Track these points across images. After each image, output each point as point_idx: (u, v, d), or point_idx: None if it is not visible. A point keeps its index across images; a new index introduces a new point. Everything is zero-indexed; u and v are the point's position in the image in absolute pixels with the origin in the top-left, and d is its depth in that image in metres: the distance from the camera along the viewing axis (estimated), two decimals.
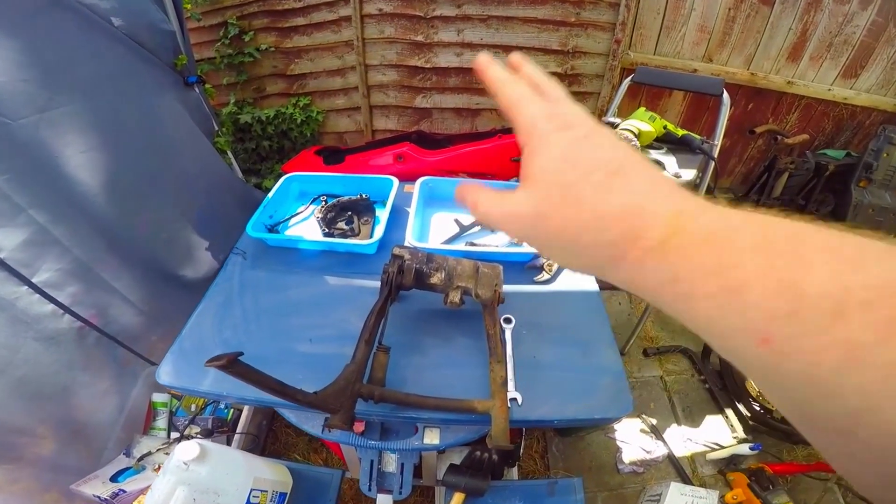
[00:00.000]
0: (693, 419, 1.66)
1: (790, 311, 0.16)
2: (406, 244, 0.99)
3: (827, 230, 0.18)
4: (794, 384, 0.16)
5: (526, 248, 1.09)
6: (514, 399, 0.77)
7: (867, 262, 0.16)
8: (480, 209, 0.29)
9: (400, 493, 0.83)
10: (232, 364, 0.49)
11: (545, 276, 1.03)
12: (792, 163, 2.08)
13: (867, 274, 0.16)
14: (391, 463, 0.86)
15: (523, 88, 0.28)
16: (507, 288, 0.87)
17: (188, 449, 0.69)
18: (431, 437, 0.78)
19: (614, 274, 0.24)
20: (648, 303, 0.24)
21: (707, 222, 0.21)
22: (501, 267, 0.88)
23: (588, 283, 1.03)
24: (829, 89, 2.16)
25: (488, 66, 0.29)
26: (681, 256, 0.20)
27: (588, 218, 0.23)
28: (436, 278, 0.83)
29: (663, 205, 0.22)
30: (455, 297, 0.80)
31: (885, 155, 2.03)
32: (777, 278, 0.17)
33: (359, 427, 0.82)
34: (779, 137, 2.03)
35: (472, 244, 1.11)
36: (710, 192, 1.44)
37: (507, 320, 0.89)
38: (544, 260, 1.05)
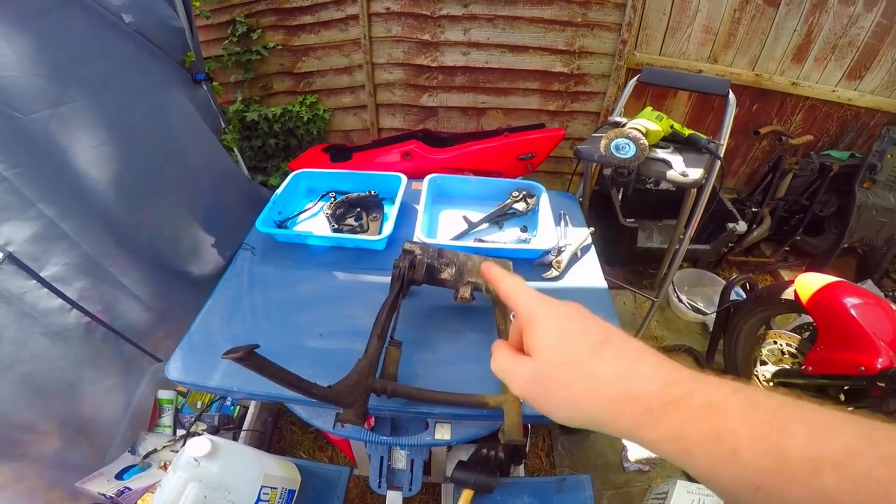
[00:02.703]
0: None
1: (777, 469, 0.22)
2: (415, 240, 0.99)
3: (801, 404, 0.24)
4: None
5: (534, 245, 1.09)
6: None
7: (836, 433, 0.22)
8: (496, 363, 0.34)
9: (409, 489, 0.83)
10: (248, 356, 0.49)
11: (554, 272, 1.02)
12: (796, 163, 2.08)
13: (836, 442, 0.22)
14: (401, 459, 0.86)
15: (517, 280, 0.37)
16: None
17: (199, 445, 0.68)
18: (443, 433, 0.78)
19: (614, 426, 0.28)
20: (651, 452, 0.28)
21: (703, 393, 0.26)
22: (511, 263, 0.88)
23: (596, 280, 1.02)
24: (834, 90, 2.16)
25: (489, 267, 0.41)
26: (682, 421, 0.25)
27: (589, 379, 0.29)
28: (446, 273, 0.83)
29: (654, 372, 0.28)
30: (465, 292, 0.80)
31: (888, 156, 2.03)
32: (765, 444, 0.23)
33: (368, 423, 0.81)
34: (783, 138, 2.03)
35: (481, 241, 1.11)
36: (715, 191, 1.44)
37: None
38: (553, 257, 1.05)
